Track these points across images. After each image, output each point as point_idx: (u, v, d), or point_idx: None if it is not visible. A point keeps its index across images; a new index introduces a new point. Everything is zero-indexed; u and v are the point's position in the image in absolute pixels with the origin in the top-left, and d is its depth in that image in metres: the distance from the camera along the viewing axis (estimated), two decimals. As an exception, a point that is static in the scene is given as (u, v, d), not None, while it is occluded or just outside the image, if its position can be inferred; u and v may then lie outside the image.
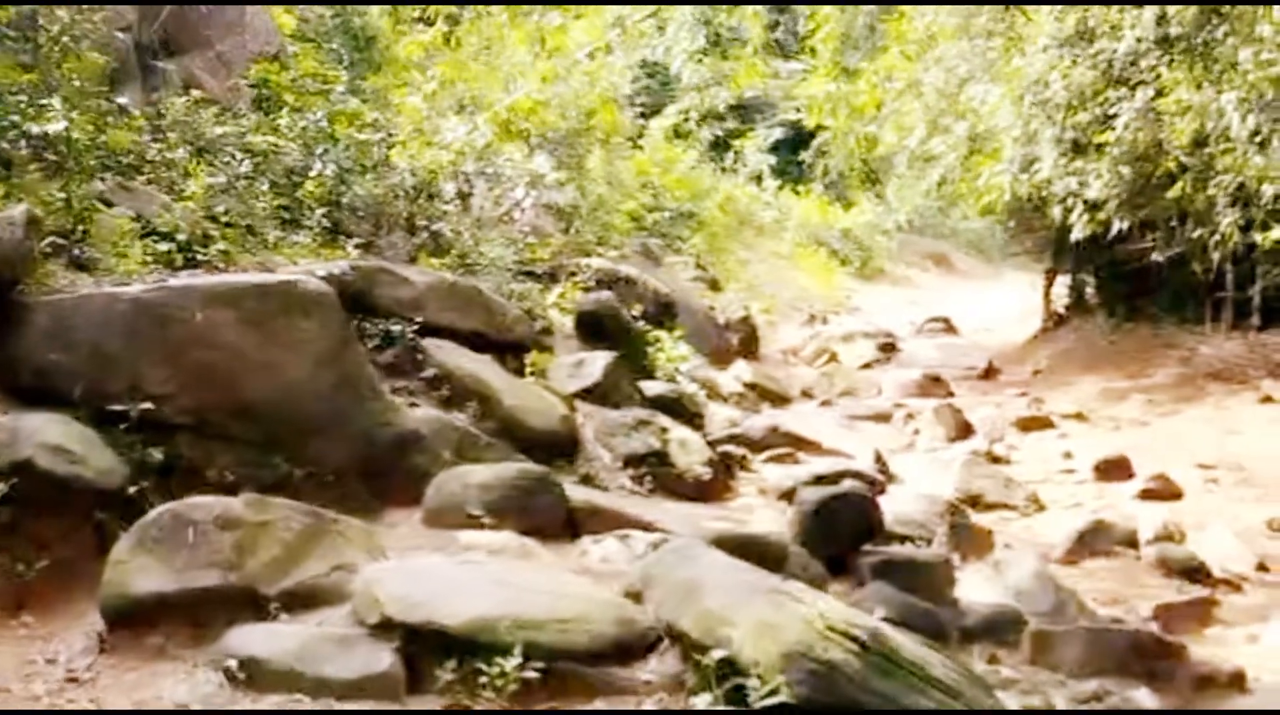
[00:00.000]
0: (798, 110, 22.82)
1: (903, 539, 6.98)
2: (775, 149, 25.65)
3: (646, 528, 5.95)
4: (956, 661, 4.14)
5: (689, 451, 8.07)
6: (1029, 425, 11.06)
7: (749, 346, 14.82)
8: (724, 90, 28.09)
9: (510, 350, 8.85)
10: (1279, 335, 11.88)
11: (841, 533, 6.10)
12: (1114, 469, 9.25)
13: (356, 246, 9.40)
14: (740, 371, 12.58)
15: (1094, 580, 6.87)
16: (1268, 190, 7.74)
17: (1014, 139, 10.07)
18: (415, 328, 7.85)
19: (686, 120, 26.41)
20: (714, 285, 17.91)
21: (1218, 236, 9.17)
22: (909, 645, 3.98)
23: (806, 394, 13.01)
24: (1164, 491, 8.67)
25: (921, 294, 22.87)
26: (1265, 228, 8.61)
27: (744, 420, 10.07)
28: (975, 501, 8.41)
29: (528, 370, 8.65)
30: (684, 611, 4.02)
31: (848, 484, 7.50)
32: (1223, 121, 7.53)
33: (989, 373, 14.29)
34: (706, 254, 19.31)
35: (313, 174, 9.58)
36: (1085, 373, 13.01)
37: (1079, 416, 11.29)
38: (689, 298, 14.25)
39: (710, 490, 7.98)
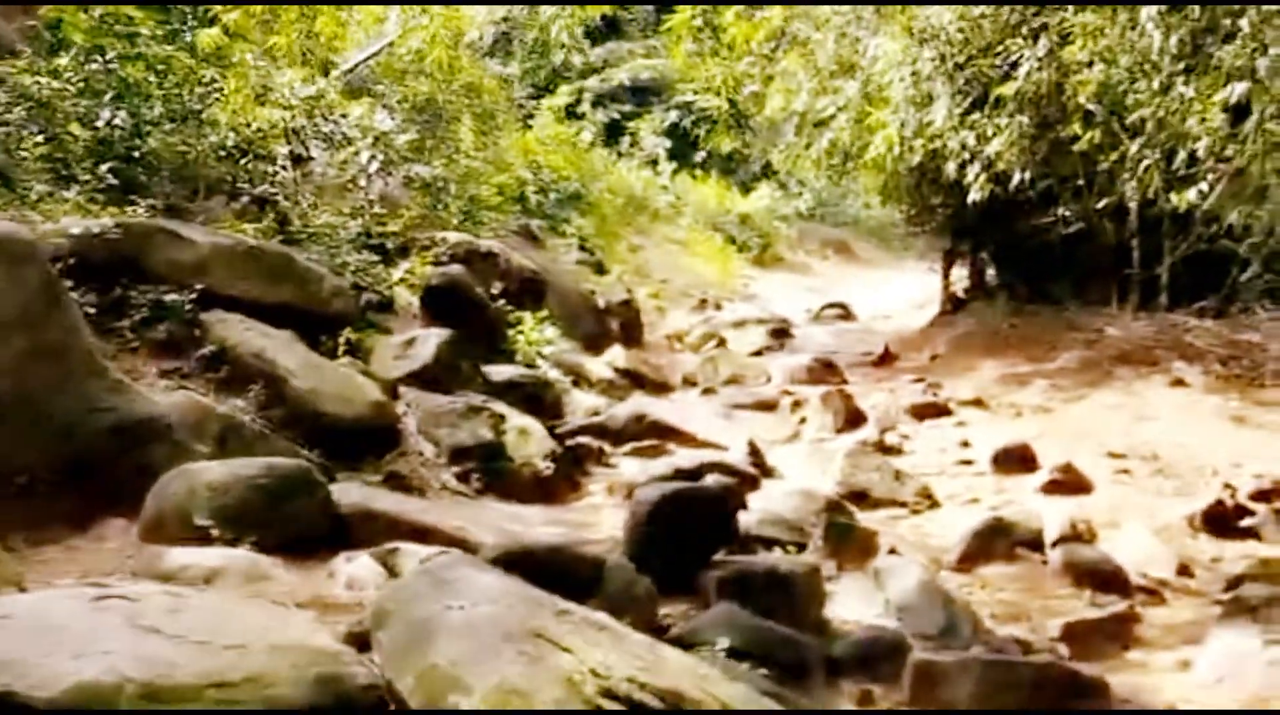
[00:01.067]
0: (695, 93, 21.73)
1: (770, 544, 5.79)
2: (672, 133, 24.46)
3: (441, 538, 4.65)
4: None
5: (529, 443, 6.80)
6: (924, 413, 9.95)
7: (631, 332, 13.56)
8: (620, 72, 26.86)
9: (327, 326, 7.48)
10: (1189, 315, 10.92)
11: (686, 539, 4.86)
12: (1015, 460, 8.15)
13: (154, 208, 7.95)
14: (615, 357, 11.33)
15: (992, 590, 5.74)
16: (1193, 127, 6.63)
17: (907, 96, 8.92)
18: (194, 297, 6.43)
19: (579, 102, 25.17)
20: (600, 269, 16.62)
21: (1131, 194, 8.10)
22: (737, 698, 2.74)
23: (689, 381, 11.79)
24: (1071, 484, 7.59)
25: (821, 281, 21.85)
26: (1182, 185, 7.53)
27: (608, 409, 8.79)
28: (860, 497, 7.26)
29: (341, 349, 7.25)
30: (407, 667, 2.73)
31: (711, 479, 6.29)
32: (1142, 42, 6.43)
33: (885, 359, 13.21)
34: (595, 238, 18.03)
35: (100, 124, 8.08)
36: (985, 357, 11.97)
37: (978, 403, 10.21)
38: (563, 280, 12.95)
39: (552, 489, 6.73)
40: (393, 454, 6.63)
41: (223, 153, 9.91)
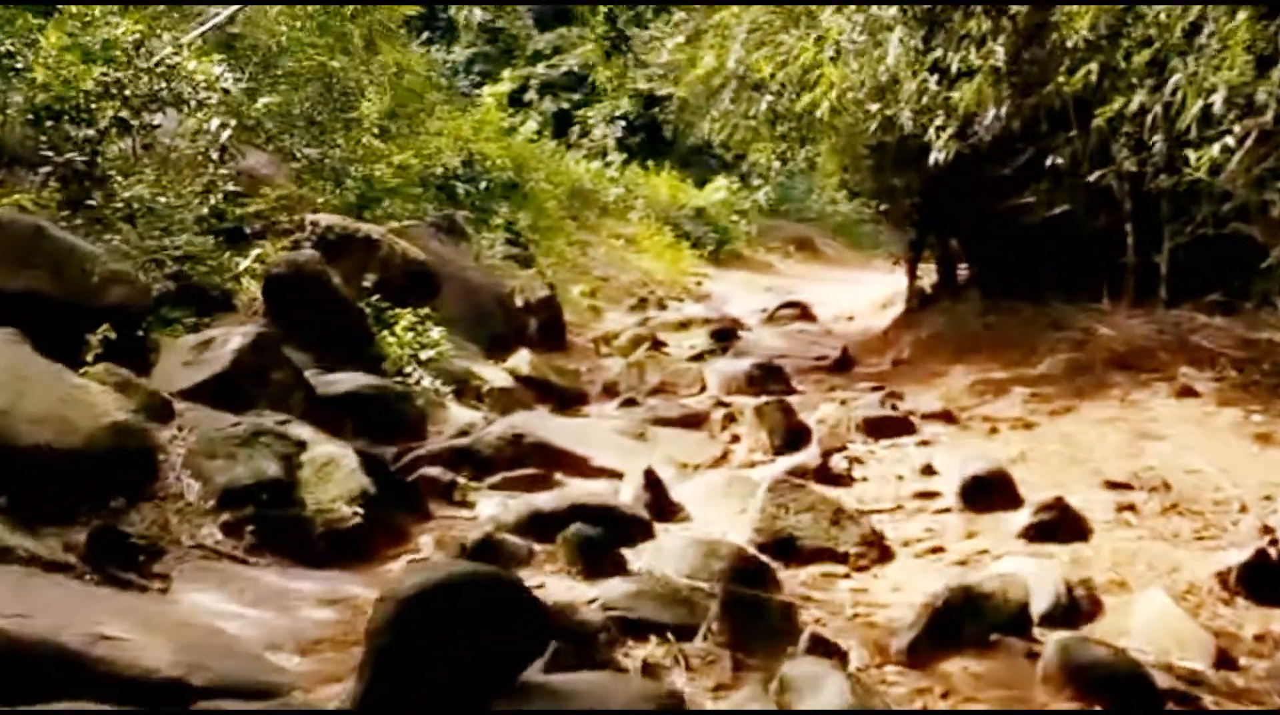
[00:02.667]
0: (649, 80, 19.93)
1: (637, 632, 3.92)
2: (625, 123, 22.64)
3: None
4: None
5: (331, 482, 4.92)
6: (881, 429, 8.11)
7: (552, 333, 11.74)
8: (570, 58, 25.04)
9: (95, 322, 5.54)
10: (1195, 311, 9.10)
11: (459, 661, 2.98)
12: (990, 492, 6.33)
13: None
14: (519, 363, 9.45)
15: (957, 704, 3.88)
16: (1213, 75, 4.83)
17: (856, 43, 7.08)
18: None
19: (525, 89, 23.36)
20: (529, 265, 14.74)
21: (1125, 160, 6.29)
22: None
23: (610, 391, 9.94)
24: (1062, 526, 5.78)
25: (781, 280, 20.02)
26: (1195, 146, 5.72)
27: (483, 428, 6.91)
28: (785, 548, 5.42)
29: (94, 353, 5.35)
30: None
31: (576, 529, 4.45)
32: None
33: (843, 364, 11.39)
34: (529, 231, 16.16)
35: None
36: (955, 362, 10.16)
37: (946, 417, 8.40)
38: (470, 275, 11.08)
39: (362, 545, 4.83)
40: (140, 500, 4.74)
41: (31, 115, 8.00)
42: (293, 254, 7.92)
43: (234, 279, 7.99)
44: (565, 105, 23.67)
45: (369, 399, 6.66)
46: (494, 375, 9.01)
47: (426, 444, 6.53)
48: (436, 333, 8.76)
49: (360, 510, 4.84)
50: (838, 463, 7.39)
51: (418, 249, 9.73)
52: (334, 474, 4.98)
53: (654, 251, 18.68)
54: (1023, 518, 5.91)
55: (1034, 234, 10.03)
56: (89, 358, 5.38)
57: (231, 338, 5.85)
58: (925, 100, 6.74)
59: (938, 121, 6.99)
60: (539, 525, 5.08)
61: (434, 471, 5.91)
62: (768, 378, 10.14)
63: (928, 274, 13.16)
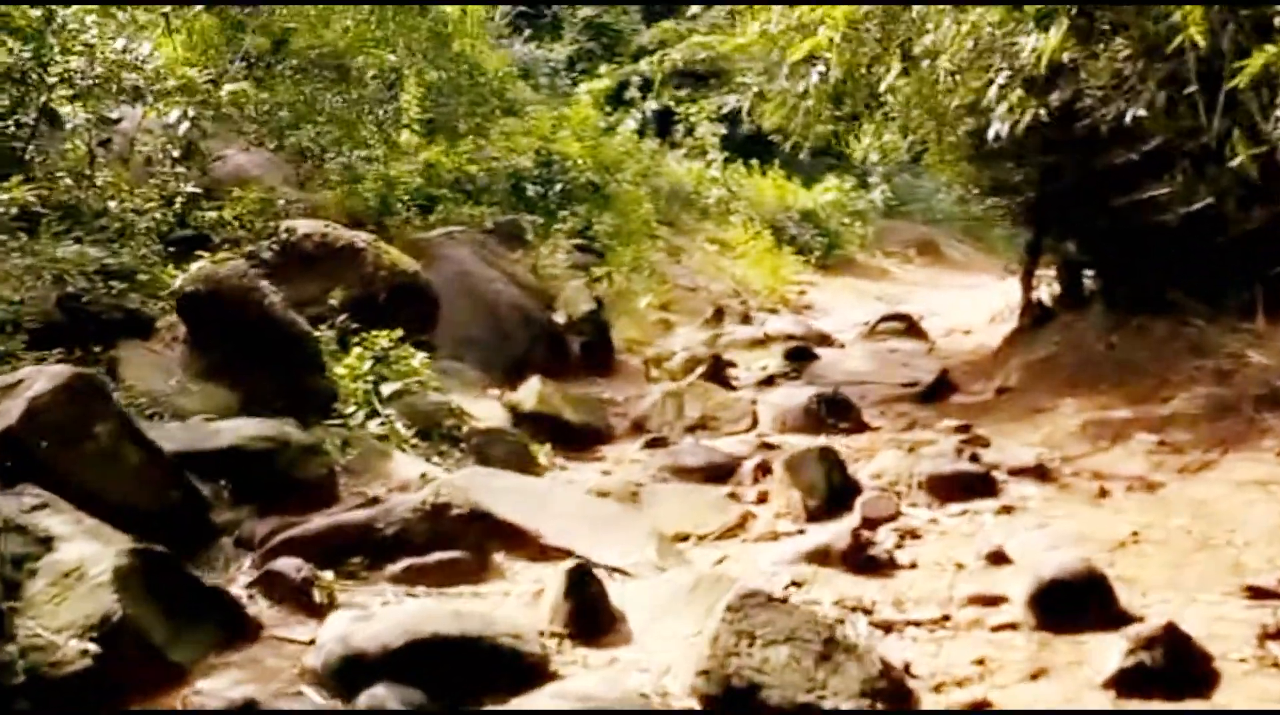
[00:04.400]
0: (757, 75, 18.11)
1: None
2: (728, 120, 20.75)
3: None
4: None
5: (69, 601, 3.36)
6: (952, 489, 6.23)
7: (596, 354, 10.08)
8: (674, 53, 23.25)
9: None
10: (1381, 333, 6.89)
11: None
12: (1077, 602, 4.45)
13: None
14: (525, 395, 7.80)
15: None
16: None
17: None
18: None
19: (627, 87, 21.81)
20: (600, 275, 13.09)
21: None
22: None
23: (640, 427, 8.22)
24: (1172, 669, 3.86)
25: (896, 288, 17.96)
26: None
27: (404, 493, 5.29)
28: (744, 705, 3.61)
29: None
30: None
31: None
32: None
33: (935, 392, 9.43)
34: (607, 236, 14.50)
35: None
36: (1067, 393, 8.13)
37: (1041, 473, 6.46)
38: (493, 287, 9.49)
39: (95, 694, 3.22)
40: None
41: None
42: (212, 268, 6.45)
43: (164, 299, 6.57)
44: (669, 102, 21.98)
45: (254, 456, 5.11)
46: (487, 411, 7.39)
47: (314, 518, 4.91)
48: (419, 359, 7.16)
49: (94, 647, 3.23)
50: (882, 538, 5.56)
51: (410, 260, 8.18)
52: (75, 589, 3.41)
53: (752, 257, 16.83)
54: (1118, 647, 3.97)
55: (1169, 234, 7.90)
56: None
57: (36, 381, 4.37)
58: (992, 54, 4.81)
59: (1003, 74, 5.05)
60: (364, 669, 3.40)
61: (290, 564, 4.28)
62: (832, 411, 8.29)
63: (1047, 282, 11.02)
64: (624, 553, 5.13)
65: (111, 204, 7.49)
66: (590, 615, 4.12)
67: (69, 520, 3.72)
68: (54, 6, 7.06)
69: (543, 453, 7.17)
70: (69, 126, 7.87)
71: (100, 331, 6.13)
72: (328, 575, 4.38)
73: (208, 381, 6.15)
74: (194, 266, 6.77)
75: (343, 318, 7.20)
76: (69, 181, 7.40)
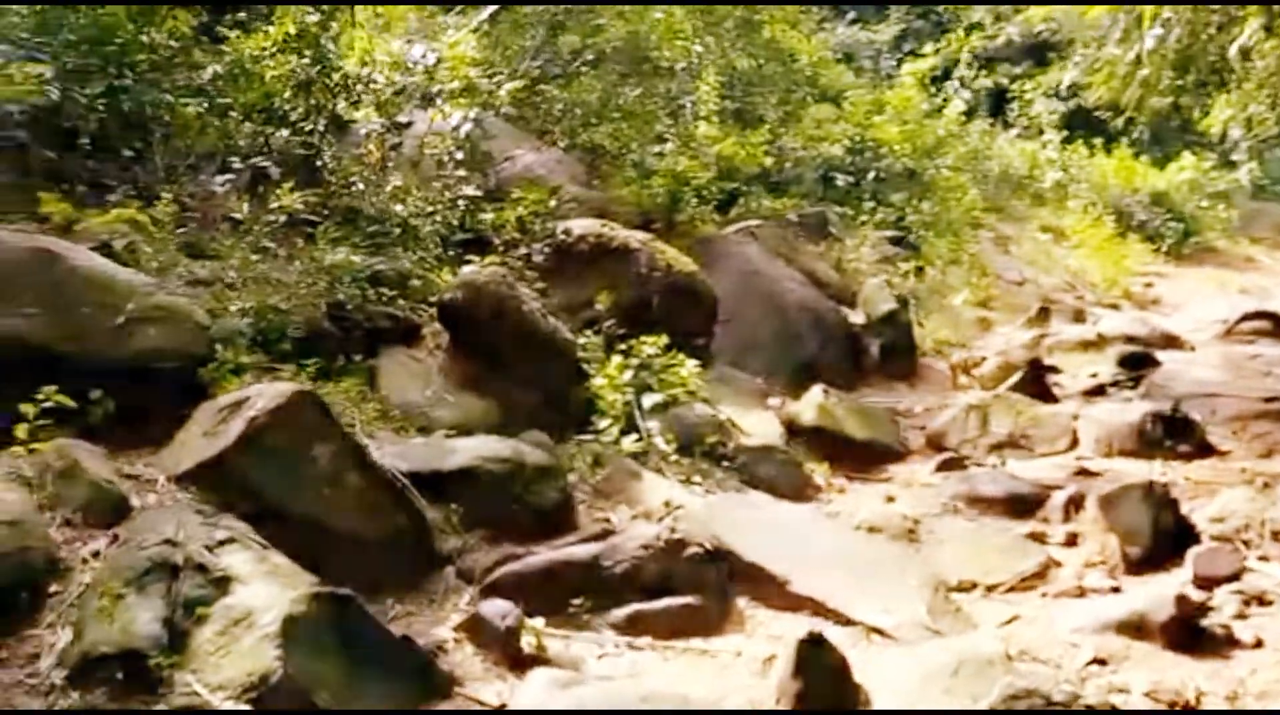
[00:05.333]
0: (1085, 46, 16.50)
1: None
2: (1065, 98, 19.08)
3: None
4: None
5: (233, 653, 3.10)
6: (1316, 543, 5.05)
7: (897, 358, 9.24)
8: (1010, 26, 21.67)
9: (109, 376, 4.15)
10: None
11: None
12: None
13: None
14: (804, 405, 7.16)
15: None
16: None
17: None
18: None
19: (955, 65, 20.53)
20: (917, 269, 12.18)
21: None
22: None
23: (936, 444, 7.37)
24: None
25: (1264, 280, 15.74)
26: None
27: (627, 528, 4.81)
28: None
29: (26, 428, 3.90)
30: None
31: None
32: None
33: (1306, 409, 7.94)
34: (923, 227, 13.50)
35: None
36: None
37: None
38: (783, 286, 8.88)
39: None
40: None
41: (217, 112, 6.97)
42: (472, 274, 6.21)
43: (433, 305, 6.43)
44: (1003, 80, 20.49)
45: (487, 479, 4.77)
46: (760, 425, 6.81)
47: (540, 550, 4.51)
48: (689, 367, 6.68)
49: (249, 707, 2.94)
50: (1219, 604, 4.56)
51: (688, 260, 7.70)
52: (242, 639, 3.14)
53: (1090, 246, 15.25)
54: None
55: None
56: (21, 431, 3.92)
57: (258, 400, 4.21)
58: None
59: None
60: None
61: (496, 609, 3.89)
62: (1170, 431, 7.13)
63: None
64: (888, 607, 4.42)
65: (398, 208, 7.46)
66: (823, 697, 3.45)
67: (252, 558, 3.48)
68: (327, 6, 7.07)
69: (819, 473, 6.52)
70: (362, 132, 7.93)
71: (365, 339, 6.02)
72: (538, 622, 3.94)
73: (465, 392, 5.92)
74: (463, 270, 6.59)
75: (610, 323, 6.80)
76: (359, 186, 7.41)
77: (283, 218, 6.20)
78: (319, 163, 7.34)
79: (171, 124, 6.78)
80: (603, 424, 5.94)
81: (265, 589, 3.32)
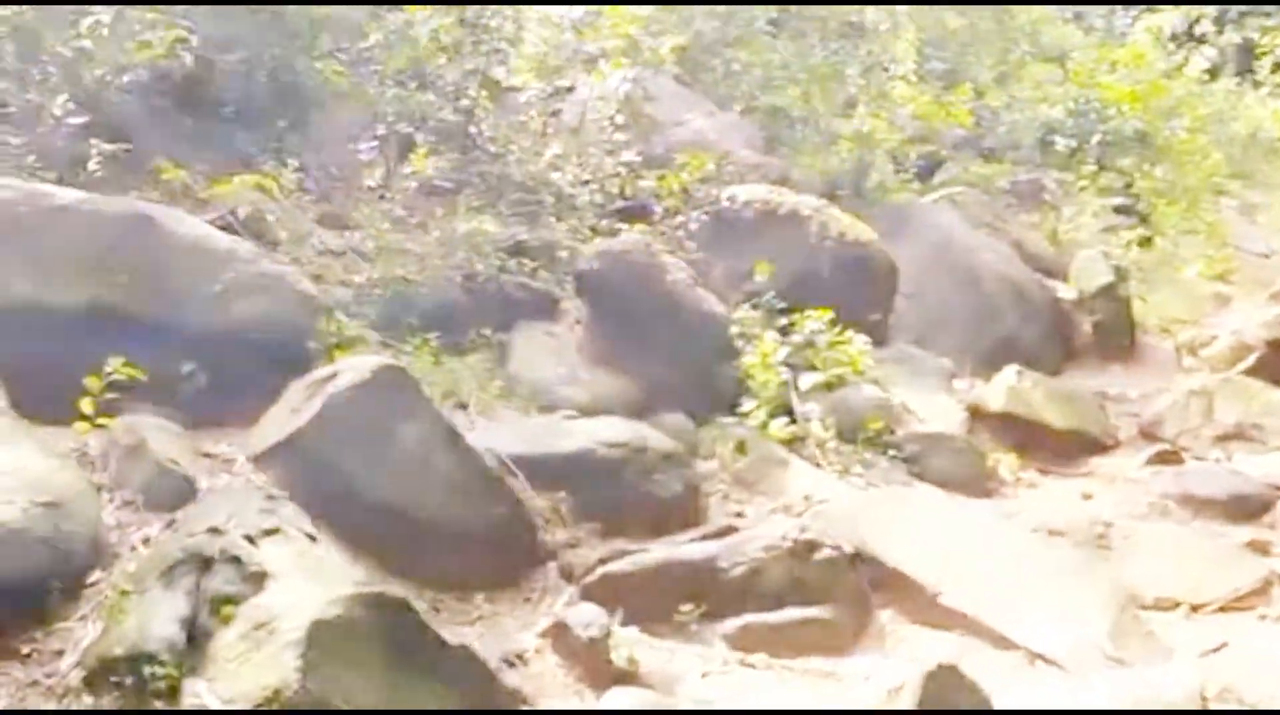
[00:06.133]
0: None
1: None
2: (1332, 46, 17.01)
3: None
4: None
5: (252, 662, 2.73)
6: None
7: (1112, 337, 8.22)
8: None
9: (201, 350, 3.94)
10: None
11: None
12: None
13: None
14: (993, 391, 6.34)
15: None
16: None
17: None
18: None
19: (1199, 20, 18.73)
20: (1143, 240, 10.97)
21: None
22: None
23: (1150, 434, 6.42)
24: None
25: None
26: None
27: (756, 525, 4.21)
28: None
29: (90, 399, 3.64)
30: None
31: None
32: None
33: None
34: (1154, 194, 12.17)
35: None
36: None
37: None
38: (980, 257, 8.00)
39: None
40: (24, 644, 2.93)
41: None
42: (610, 242, 5.71)
43: (560, 275, 6.00)
44: (1252, 35, 18.45)
45: (602, 465, 4.27)
46: (939, 410, 6.05)
47: (653, 546, 3.97)
48: (858, 345, 5.99)
49: (256, 726, 2.54)
50: None
51: (866, 229, 6.97)
52: (265, 646, 2.75)
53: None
54: None
55: None
56: (87, 404, 3.64)
57: (344, 374, 3.83)
58: None
59: None
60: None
61: (582, 616, 3.38)
62: None
63: None
64: (1061, 627, 3.67)
65: (554, 176, 7.05)
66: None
67: (295, 551, 3.08)
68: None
69: (1005, 465, 5.72)
70: (522, 99, 7.56)
71: (500, 312, 5.62)
72: (634, 631, 3.41)
73: (601, 369, 5.45)
74: (620, 238, 6.11)
75: (770, 295, 6.18)
76: (515, 154, 7.05)
77: (414, 185, 5.84)
78: (472, 130, 6.99)
79: (322, 91, 6.55)
80: (750, 406, 5.33)
81: (302, 587, 2.91)
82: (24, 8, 5.66)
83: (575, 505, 4.22)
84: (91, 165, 5.14)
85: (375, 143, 6.34)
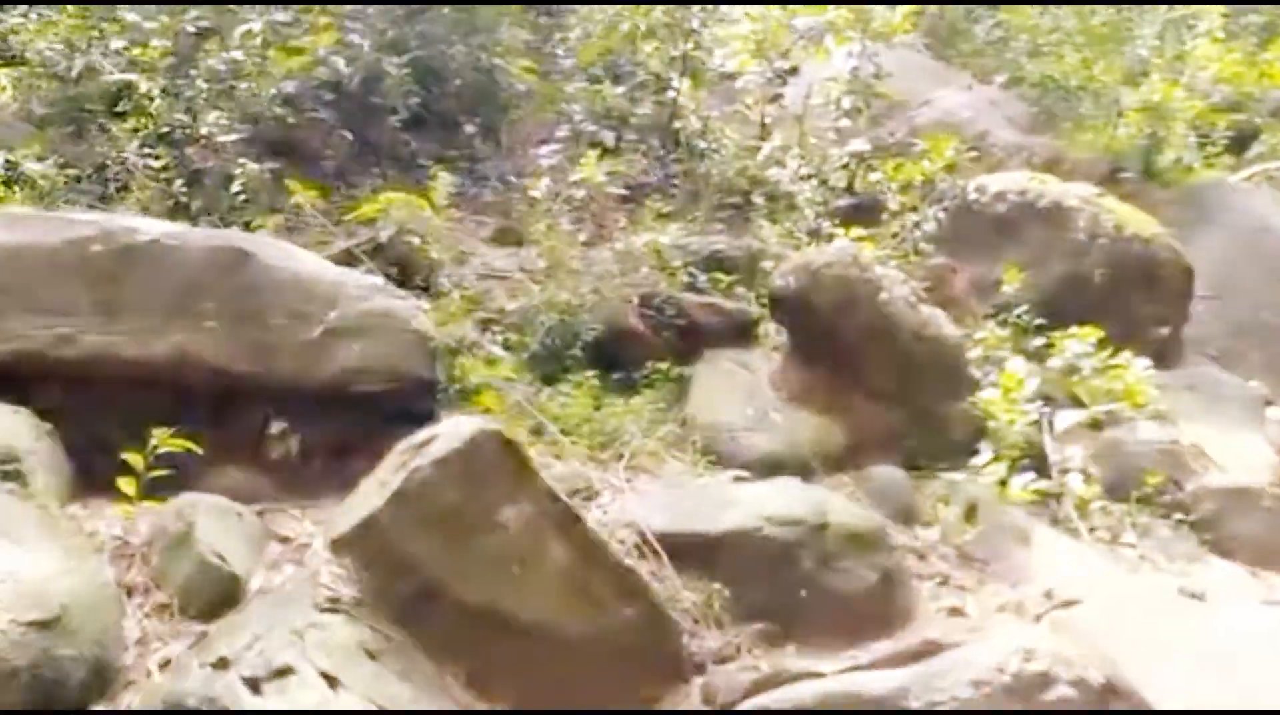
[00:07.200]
0: None
1: None
2: None
3: None
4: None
5: None
6: None
7: None
8: None
9: (294, 406, 3.37)
10: None
11: None
12: None
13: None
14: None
15: None
16: None
17: None
18: None
19: None
20: None
21: None
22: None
23: None
24: None
25: None
26: None
27: (982, 624, 3.13)
28: None
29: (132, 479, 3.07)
30: None
31: None
32: None
33: None
34: None
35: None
36: None
37: None
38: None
39: None
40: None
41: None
42: (810, 253, 4.69)
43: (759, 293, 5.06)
44: None
45: (769, 546, 3.31)
46: (1244, 452, 4.68)
47: (835, 661, 2.99)
48: (1139, 369, 4.74)
49: None
50: None
51: (1150, 222, 5.60)
52: None
53: None
54: None
55: None
56: (127, 485, 3.03)
57: (438, 440, 3.07)
58: None
59: None
60: None
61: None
62: None
63: None
64: None
65: (772, 172, 6.11)
66: None
67: (311, 701, 2.31)
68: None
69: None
70: (739, 85, 6.65)
71: (685, 339, 4.74)
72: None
73: (799, 408, 4.47)
74: (821, 249, 5.09)
75: (1023, 309, 5.00)
76: (727, 149, 6.17)
77: (582, 193, 5.04)
78: (677, 124, 6.15)
79: (509, 92, 5.89)
80: (986, 455, 4.21)
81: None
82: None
83: (734, 600, 3.28)
84: (234, 188, 4.66)
85: (559, 146, 5.59)
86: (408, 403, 3.70)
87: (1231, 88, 8.19)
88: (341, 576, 3.00)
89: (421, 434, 3.25)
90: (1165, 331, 5.37)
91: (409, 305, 3.84)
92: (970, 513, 3.97)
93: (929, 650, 3.04)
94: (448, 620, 2.97)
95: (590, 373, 4.43)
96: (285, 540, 3.20)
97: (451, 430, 3.15)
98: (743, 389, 4.56)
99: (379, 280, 4.02)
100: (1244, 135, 8.31)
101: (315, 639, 2.57)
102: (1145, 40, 8.26)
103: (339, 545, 3.10)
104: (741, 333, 4.93)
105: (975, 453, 4.35)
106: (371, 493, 3.19)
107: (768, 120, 6.62)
